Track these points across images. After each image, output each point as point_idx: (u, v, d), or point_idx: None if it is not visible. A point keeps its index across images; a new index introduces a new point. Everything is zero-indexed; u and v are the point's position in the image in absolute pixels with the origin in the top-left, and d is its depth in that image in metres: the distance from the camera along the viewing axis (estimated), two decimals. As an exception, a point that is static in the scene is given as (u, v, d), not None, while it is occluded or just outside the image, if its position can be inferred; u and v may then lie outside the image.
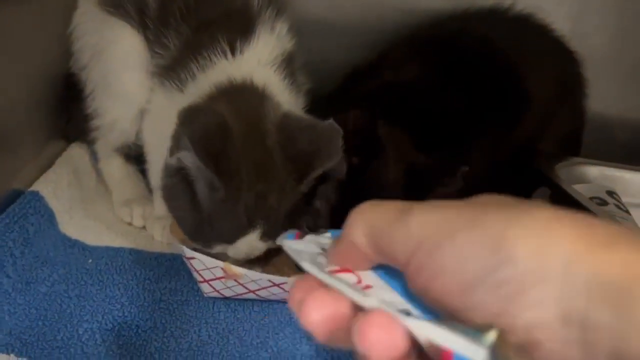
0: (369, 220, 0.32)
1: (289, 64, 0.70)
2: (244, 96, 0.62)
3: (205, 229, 0.59)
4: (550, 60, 0.85)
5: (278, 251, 0.69)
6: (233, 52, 0.66)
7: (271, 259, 0.70)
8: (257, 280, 0.60)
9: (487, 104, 0.77)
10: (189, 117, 0.55)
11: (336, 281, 0.32)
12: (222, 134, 0.56)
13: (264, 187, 0.57)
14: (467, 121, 0.75)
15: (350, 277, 0.38)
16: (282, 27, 0.71)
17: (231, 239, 0.59)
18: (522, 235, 0.26)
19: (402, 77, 0.78)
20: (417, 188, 0.65)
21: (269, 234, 0.59)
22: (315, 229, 0.66)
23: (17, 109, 0.73)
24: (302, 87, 0.74)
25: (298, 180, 0.59)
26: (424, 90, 0.76)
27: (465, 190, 0.85)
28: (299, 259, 0.42)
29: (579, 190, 0.83)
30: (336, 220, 0.65)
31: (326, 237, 0.45)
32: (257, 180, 0.57)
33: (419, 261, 0.29)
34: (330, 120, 0.60)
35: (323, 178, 0.64)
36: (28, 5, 0.73)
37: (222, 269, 0.59)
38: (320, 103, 0.76)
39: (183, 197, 0.59)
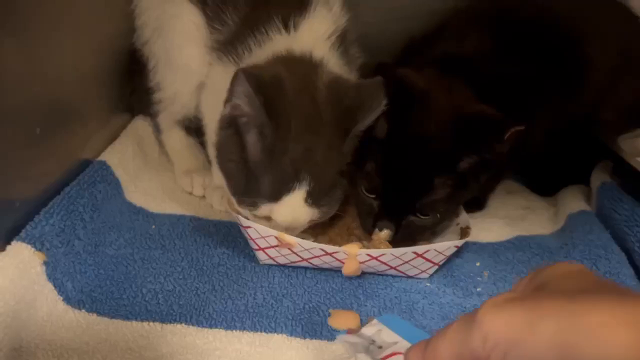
0: (452, 340, 0.34)
1: (343, 39, 0.71)
2: (299, 62, 0.64)
3: (252, 184, 0.60)
4: (613, 28, 0.81)
5: (331, 221, 0.71)
6: (288, 28, 0.67)
7: (325, 229, 0.72)
8: (309, 249, 0.62)
9: (548, 73, 0.75)
10: (244, 71, 0.57)
11: None
12: (276, 84, 0.58)
13: (312, 141, 0.59)
14: (528, 91, 0.74)
15: (398, 358, 0.47)
16: (336, 3, 0.72)
17: (276, 195, 0.59)
18: (585, 341, 0.29)
19: (463, 47, 0.77)
20: (465, 140, 0.64)
21: (314, 195, 0.60)
22: (370, 191, 0.67)
23: (86, 83, 0.76)
24: (356, 60, 0.75)
25: (343, 136, 0.60)
26: (484, 60, 0.74)
27: (527, 160, 0.84)
28: (355, 351, 0.51)
29: (644, 162, 0.80)
30: (386, 179, 0.66)
31: (373, 326, 0.55)
32: (306, 132, 0.59)
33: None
34: (377, 77, 0.61)
35: (370, 140, 0.65)
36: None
37: (276, 237, 0.61)
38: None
39: (234, 149, 0.61)
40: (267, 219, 0.63)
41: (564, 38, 0.77)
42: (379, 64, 0.62)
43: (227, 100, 0.60)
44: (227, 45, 0.70)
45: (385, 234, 0.67)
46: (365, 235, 0.72)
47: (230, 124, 0.61)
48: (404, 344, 0.51)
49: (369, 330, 0.55)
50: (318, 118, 0.60)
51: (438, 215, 0.68)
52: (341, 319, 0.60)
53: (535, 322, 0.30)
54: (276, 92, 0.58)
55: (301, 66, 0.64)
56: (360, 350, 0.52)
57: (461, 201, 0.71)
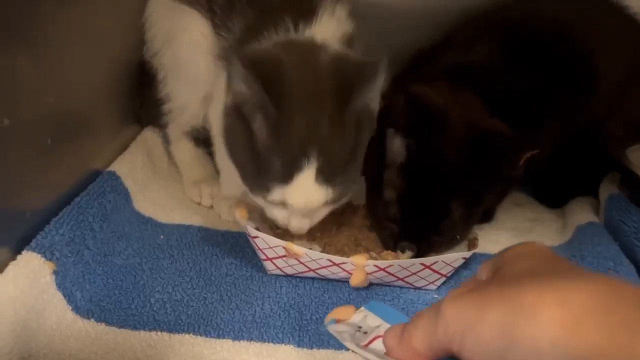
0: (423, 330, 0.40)
1: (348, 45, 0.71)
2: (300, 45, 0.65)
3: (262, 168, 0.60)
4: (622, 40, 0.81)
5: (338, 231, 0.71)
6: (298, 31, 0.67)
7: (332, 240, 0.72)
8: (317, 260, 0.62)
9: (556, 85, 0.76)
10: (238, 54, 0.58)
11: (370, 355, 0.46)
12: (274, 62, 0.59)
13: (315, 115, 0.58)
14: (537, 102, 0.74)
15: (379, 341, 0.49)
16: (342, 11, 0.73)
17: (287, 176, 0.59)
18: (524, 326, 0.33)
19: (471, 57, 0.78)
20: (481, 164, 0.64)
21: (325, 173, 0.59)
22: (388, 217, 0.67)
23: (97, 95, 0.78)
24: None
25: (344, 106, 0.59)
26: (493, 70, 0.75)
27: (535, 171, 0.84)
28: (342, 339, 0.54)
29: (653, 175, 0.80)
30: (405, 206, 0.66)
31: (360, 313, 0.58)
32: (308, 107, 0.59)
33: (458, 349, 0.36)
34: (378, 57, 0.61)
35: (385, 164, 0.65)
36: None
37: (283, 247, 0.61)
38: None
39: (240, 136, 0.61)
40: (282, 205, 0.62)
41: (573, 50, 0.77)
42: (394, 82, 0.63)
43: (228, 89, 0.60)
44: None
45: (406, 254, 0.68)
46: (373, 246, 0.72)
47: (235, 112, 0.61)
48: (385, 327, 0.52)
49: (356, 317, 0.57)
50: (319, 92, 0.59)
51: (457, 236, 0.69)
52: (336, 312, 0.61)
53: (483, 310, 0.34)
54: (274, 70, 0.58)
55: (301, 47, 0.64)
56: (347, 338, 0.54)
57: (477, 217, 0.71)
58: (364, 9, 0.80)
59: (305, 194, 0.60)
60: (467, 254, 0.65)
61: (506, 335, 0.33)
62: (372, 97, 0.63)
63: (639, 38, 0.83)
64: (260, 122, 0.59)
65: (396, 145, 0.66)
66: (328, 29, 0.69)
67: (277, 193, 0.60)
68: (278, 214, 0.63)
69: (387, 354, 0.45)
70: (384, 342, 0.45)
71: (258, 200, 0.64)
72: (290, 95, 0.58)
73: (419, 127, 0.64)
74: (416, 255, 0.67)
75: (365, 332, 0.54)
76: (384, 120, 0.66)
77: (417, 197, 0.66)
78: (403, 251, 0.68)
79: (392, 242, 0.69)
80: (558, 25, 0.79)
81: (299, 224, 0.64)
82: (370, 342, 0.52)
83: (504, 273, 0.37)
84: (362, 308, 0.59)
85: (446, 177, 0.65)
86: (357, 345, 0.51)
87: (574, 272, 0.35)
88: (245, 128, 0.61)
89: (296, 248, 0.61)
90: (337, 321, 0.58)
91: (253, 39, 0.67)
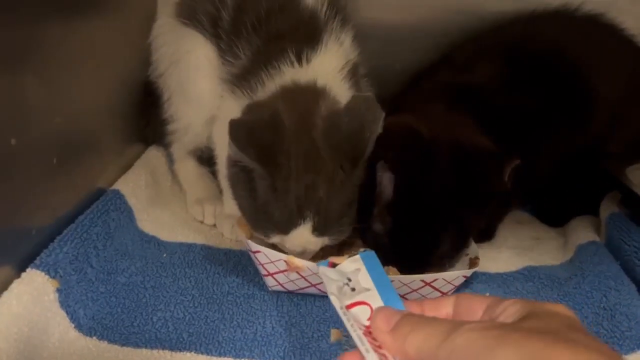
0: (424, 340, 0.37)
1: (354, 73, 0.73)
2: (303, 94, 0.65)
3: (263, 217, 0.62)
4: (620, 61, 0.82)
5: (339, 251, 0.72)
6: (300, 61, 0.69)
7: (333, 254, 0.72)
8: (318, 273, 0.62)
9: (555, 105, 0.77)
10: (245, 112, 0.60)
11: (349, 321, 0.43)
12: (273, 126, 0.60)
13: (313, 179, 0.60)
14: (536, 122, 0.75)
15: (364, 309, 0.46)
16: (347, 38, 0.74)
17: (285, 230, 0.62)
18: None
19: (471, 78, 0.79)
20: (467, 179, 0.64)
21: (321, 229, 0.61)
22: (379, 248, 0.67)
23: (102, 114, 0.79)
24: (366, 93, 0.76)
25: (351, 166, 0.61)
26: (492, 91, 0.76)
27: (536, 190, 0.85)
28: (328, 286, 0.51)
29: (653, 194, 0.80)
30: (395, 240, 0.67)
31: (354, 263, 0.53)
32: (306, 171, 0.60)
33: None
34: (367, 94, 0.62)
35: (375, 196, 0.66)
36: (112, 17, 0.79)
37: (285, 261, 0.62)
38: (385, 106, 0.77)
39: (243, 186, 0.63)
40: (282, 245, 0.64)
41: (571, 71, 0.78)
42: (393, 99, 0.63)
43: (229, 144, 0.61)
44: (240, 78, 0.72)
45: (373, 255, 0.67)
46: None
47: (236, 164, 0.63)
48: (374, 295, 0.49)
49: (348, 266, 0.53)
50: (317, 155, 0.61)
51: (447, 265, 0.69)
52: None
53: (497, 348, 0.33)
54: (272, 135, 0.60)
55: (303, 98, 0.65)
56: (333, 290, 0.50)
57: (467, 244, 0.71)
58: (366, 30, 0.82)
59: (302, 243, 0.63)
60: (468, 272, 0.65)
61: None
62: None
63: (636, 58, 0.84)
64: (258, 180, 0.61)
65: (385, 181, 0.67)
66: (333, 58, 0.71)
67: (276, 239, 0.63)
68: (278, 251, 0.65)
69: (368, 331, 0.43)
70: (373, 322, 0.42)
71: (258, 235, 0.65)
72: (290, 159, 0.60)
73: (406, 162, 0.65)
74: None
75: (353, 289, 0.50)
76: (376, 150, 0.65)
77: (406, 232, 0.66)
78: None
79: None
80: (556, 47, 0.80)
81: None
82: (354, 304, 0.48)
83: (529, 324, 0.36)
84: (357, 257, 0.55)
85: (434, 209, 0.65)
86: (341, 305, 0.47)
87: (594, 343, 0.34)
88: (246, 178, 0.63)
89: (297, 261, 0.62)
90: (329, 264, 0.56)
91: (261, 68, 0.69)
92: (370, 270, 0.52)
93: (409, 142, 0.66)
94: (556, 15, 0.85)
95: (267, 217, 0.62)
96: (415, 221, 0.66)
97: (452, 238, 0.67)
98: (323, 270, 0.53)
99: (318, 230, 0.61)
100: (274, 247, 0.65)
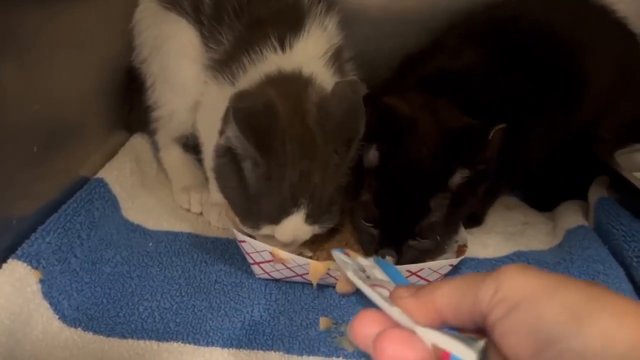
0: (456, 286, 0.34)
1: (337, 57, 0.72)
2: (291, 82, 0.64)
3: (253, 208, 0.61)
4: (610, 44, 0.81)
5: (329, 236, 0.71)
6: (283, 47, 0.68)
7: (322, 244, 0.71)
8: (303, 265, 0.62)
9: (545, 89, 0.76)
10: (238, 99, 0.58)
11: (374, 294, 0.38)
12: (268, 113, 0.58)
13: (308, 165, 0.59)
14: (525, 106, 0.74)
15: (382, 290, 0.43)
16: (331, 23, 0.73)
17: (276, 219, 0.60)
18: (598, 314, 0.29)
19: (459, 63, 0.77)
20: (453, 154, 0.64)
21: (313, 216, 0.61)
22: (368, 220, 0.67)
23: (85, 100, 0.77)
24: (350, 77, 0.75)
25: (346, 149, 0.60)
26: (480, 76, 0.75)
27: (525, 175, 0.84)
28: (345, 268, 0.48)
29: (641, 177, 0.80)
30: (383, 207, 0.66)
31: (369, 261, 0.51)
32: (301, 158, 0.59)
33: (497, 317, 0.31)
34: (352, 78, 0.62)
35: (362, 170, 0.65)
36: (94, 2, 0.77)
37: (270, 252, 0.61)
38: (375, 91, 0.76)
39: (232, 176, 0.62)
40: (270, 236, 0.63)
41: (562, 54, 0.77)
42: (366, 96, 0.63)
43: (221, 132, 0.61)
44: (222, 64, 0.71)
45: (387, 261, 0.67)
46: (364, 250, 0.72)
47: (226, 153, 0.62)
48: (390, 283, 0.47)
49: (364, 261, 0.51)
50: (312, 141, 0.60)
51: (438, 237, 0.67)
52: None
53: (555, 288, 0.30)
54: (268, 123, 0.59)
55: (292, 86, 0.64)
56: (350, 270, 0.48)
57: (460, 219, 0.71)
58: (353, 14, 0.81)
59: (293, 233, 0.62)
60: (454, 261, 0.65)
61: (575, 322, 0.29)
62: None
63: (627, 41, 0.84)
64: (251, 168, 0.60)
65: (370, 153, 0.66)
66: (317, 43, 0.70)
67: (267, 230, 0.62)
68: (266, 241, 0.64)
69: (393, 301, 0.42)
70: (393, 292, 0.38)
71: (247, 230, 0.64)
72: (285, 146, 0.59)
73: (388, 134, 0.64)
74: (397, 263, 0.66)
75: (368, 277, 0.51)
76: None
77: (394, 198, 0.65)
78: (383, 257, 0.66)
79: (372, 249, 0.68)
80: (547, 30, 0.79)
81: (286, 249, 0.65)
82: (375, 285, 0.48)
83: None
84: (372, 258, 0.56)
85: (420, 176, 0.64)
86: (362, 282, 0.47)
87: None
88: (236, 168, 0.61)
89: (282, 253, 0.61)
90: (345, 252, 0.55)
91: (243, 54, 0.68)
92: (385, 269, 0.52)
93: (390, 116, 0.65)
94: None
95: (257, 208, 0.61)
96: (401, 186, 0.65)
97: (444, 209, 0.65)
98: (337, 255, 0.52)
99: (312, 218, 0.61)
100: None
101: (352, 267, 0.50)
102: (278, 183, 0.59)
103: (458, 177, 0.65)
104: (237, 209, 0.63)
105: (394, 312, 0.34)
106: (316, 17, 0.71)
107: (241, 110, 0.56)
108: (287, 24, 0.69)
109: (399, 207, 0.65)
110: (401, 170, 0.65)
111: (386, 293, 0.41)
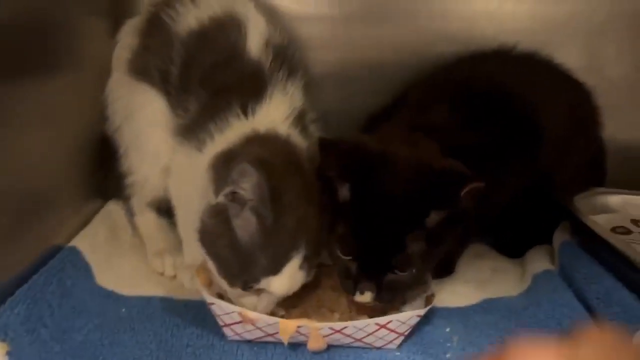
0: None
1: (300, 119, 0.75)
2: (271, 140, 0.69)
3: (247, 264, 0.62)
4: (560, 94, 0.85)
5: (302, 293, 0.72)
6: (246, 114, 0.71)
7: (295, 303, 0.72)
8: (273, 324, 0.63)
9: (506, 142, 0.79)
10: (251, 161, 0.59)
11: None
12: (266, 165, 0.61)
13: (305, 210, 0.63)
14: (490, 158, 0.76)
15: None
16: (293, 87, 0.77)
17: (276, 268, 0.62)
18: None
19: (426, 119, 0.80)
20: (430, 196, 0.65)
21: (309, 258, 0.64)
22: (346, 253, 0.68)
23: (58, 170, 0.79)
24: (313, 139, 0.78)
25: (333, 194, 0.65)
26: (447, 130, 0.78)
27: (493, 222, 0.86)
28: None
29: (603, 220, 0.83)
30: (360, 241, 0.66)
31: None
32: (299, 203, 0.62)
33: None
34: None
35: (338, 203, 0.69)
36: (67, 74, 0.80)
37: (238, 313, 0.62)
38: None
39: (223, 236, 0.63)
40: (256, 293, 0.64)
41: (516, 107, 0.81)
42: (321, 140, 0.66)
43: (219, 190, 0.62)
44: (189, 131, 0.74)
45: (367, 296, 0.67)
46: (337, 306, 0.73)
47: (219, 213, 0.63)
48: None
49: None
50: (307, 188, 0.64)
51: (414, 270, 0.67)
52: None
53: None
54: (273, 174, 0.61)
55: (276, 143, 0.68)
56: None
57: (437, 256, 0.71)
58: (318, 77, 0.84)
59: (290, 281, 0.64)
60: (422, 312, 0.66)
61: None
62: None
63: (576, 92, 0.88)
64: (248, 222, 0.62)
65: (343, 189, 0.68)
66: (279, 108, 0.73)
67: (264, 283, 0.63)
68: (246, 301, 0.65)
69: None
70: None
71: (229, 291, 0.65)
72: (286, 197, 0.62)
73: (358, 171, 0.66)
74: (377, 297, 0.67)
75: None
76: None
77: (370, 231, 0.66)
78: (362, 292, 0.67)
79: (351, 285, 0.68)
80: (500, 86, 0.82)
81: (267, 307, 0.66)
82: None
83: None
84: None
85: (394, 211, 0.65)
86: None
87: None
88: (227, 228, 0.63)
89: (251, 314, 0.62)
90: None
91: (209, 122, 0.71)
92: None
93: (358, 153, 0.68)
94: (496, 54, 0.88)
95: (253, 262, 0.62)
96: (375, 220, 0.65)
97: (420, 245, 0.66)
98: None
99: (307, 260, 0.63)
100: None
101: None
102: (278, 232, 0.61)
103: (433, 218, 0.66)
104: (227, 269, 0.64)
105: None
106: (278, 83, 0.74)
107: (260, 161, 0.59)
108: (249, 92, 0.72)
109: (375, 241, 0.66)
110: (374, 206, 0.66)
111: None
